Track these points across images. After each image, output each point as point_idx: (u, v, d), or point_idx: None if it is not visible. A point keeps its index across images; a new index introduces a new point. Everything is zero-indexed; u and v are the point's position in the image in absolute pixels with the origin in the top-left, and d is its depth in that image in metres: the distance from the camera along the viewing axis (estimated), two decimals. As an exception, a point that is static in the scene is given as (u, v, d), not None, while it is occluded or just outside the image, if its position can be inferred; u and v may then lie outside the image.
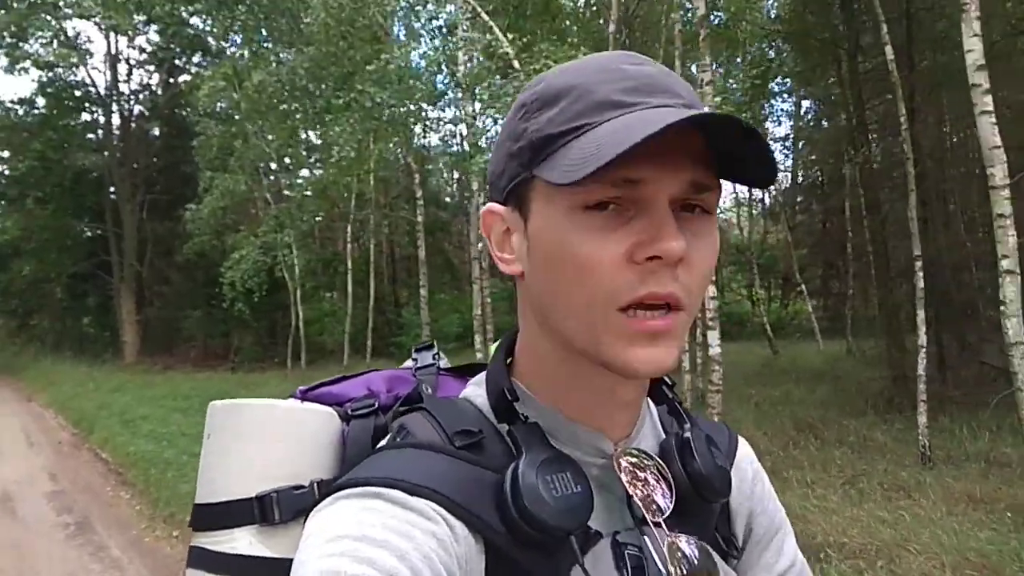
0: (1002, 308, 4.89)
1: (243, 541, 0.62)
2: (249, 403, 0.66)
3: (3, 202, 21.82)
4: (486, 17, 7.51)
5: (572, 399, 0.62)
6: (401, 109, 7.44)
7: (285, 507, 0.62)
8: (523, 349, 0.65)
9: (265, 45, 12.37)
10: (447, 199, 21.89)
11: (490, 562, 0.55)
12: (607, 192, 0.53)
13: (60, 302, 23.13)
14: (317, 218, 14.09)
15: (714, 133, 0.53)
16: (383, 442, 0.63)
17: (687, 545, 0.61)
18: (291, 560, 0.52)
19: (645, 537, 0.61)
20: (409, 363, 0.77)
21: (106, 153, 21.27)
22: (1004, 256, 4.95)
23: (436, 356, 0.77)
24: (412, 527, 0.51)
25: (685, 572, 0.59)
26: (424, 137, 7.61)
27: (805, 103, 18.39)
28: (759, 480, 0.75)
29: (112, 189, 21.40)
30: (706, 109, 0.55)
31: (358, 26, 8.04)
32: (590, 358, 0.57)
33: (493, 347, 0.69)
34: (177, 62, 21.43)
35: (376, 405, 0.69)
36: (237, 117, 12.86)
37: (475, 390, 0.67)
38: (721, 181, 0.56)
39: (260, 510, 0.62)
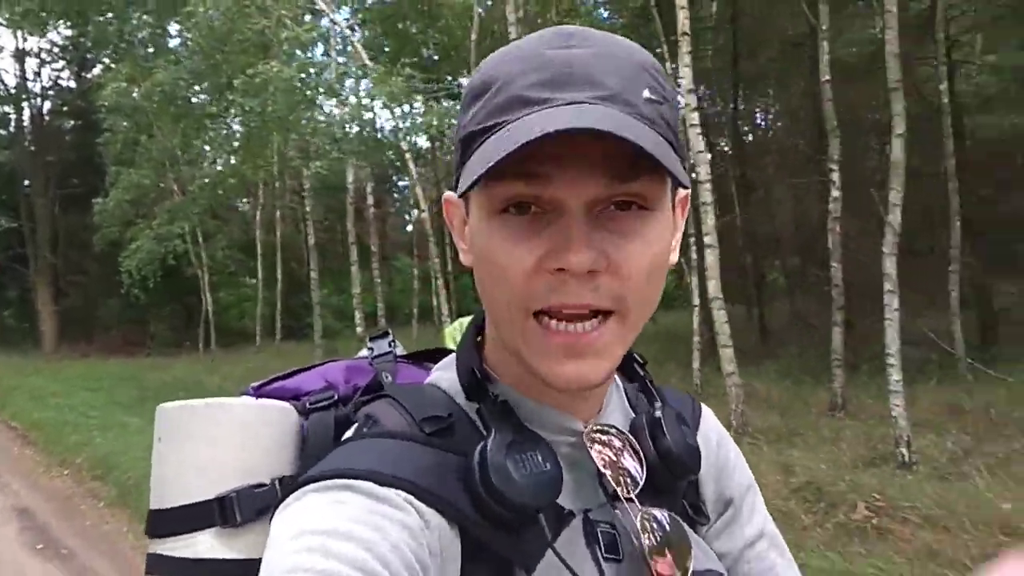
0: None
1: (204, 544, 0.60)
2: (200, 403, 0.64)
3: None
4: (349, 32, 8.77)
5: (537, 385, 0.58)
6: (276, 115, 8.63)
7: (246, 507, 0.60)
8: (490, 332, 0.64)
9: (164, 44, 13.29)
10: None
11: (466, 547, 0.55)
12: (517, 189, 0.52)
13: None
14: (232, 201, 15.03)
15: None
16: (349, 432, 0.61)
17: (659, 519, 0.61)
18: (255, 560, 0.52)
19: (617, 512, 0.61)
20: (364, 352, 0.75)
21: (18, 148, 21.62)
22: (706, 234, 6.57)
23: (392, 344, 0.75)
24: (382, 518, 0.50)
25: (657, 543, 0.59)
26: (312, 136, 8.62)
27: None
28: (723, 446, 0.75)
29: (26, 183, 21.79)
30: (645, 94, 0.52)
31: (233, 41, 9.16)
32: (520, 361, 0.56)
33: (448, 329, 0.87)
34: (88, 55, 21.81)
35: (335, 397, 0.67)
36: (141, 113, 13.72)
37: (442, 374, 0.66)
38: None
39: (221, 512, 0.60)
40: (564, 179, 0.51)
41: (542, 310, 0.53)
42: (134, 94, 12.54)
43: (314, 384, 0.70)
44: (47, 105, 22.68)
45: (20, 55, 21.34)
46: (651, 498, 0.62)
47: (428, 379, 0.67)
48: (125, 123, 14.76)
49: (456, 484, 0.55)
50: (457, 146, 0.57)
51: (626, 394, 0.71)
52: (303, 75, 8.65)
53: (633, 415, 0.68)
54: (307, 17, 10.20)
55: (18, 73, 21.70)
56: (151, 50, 13.85)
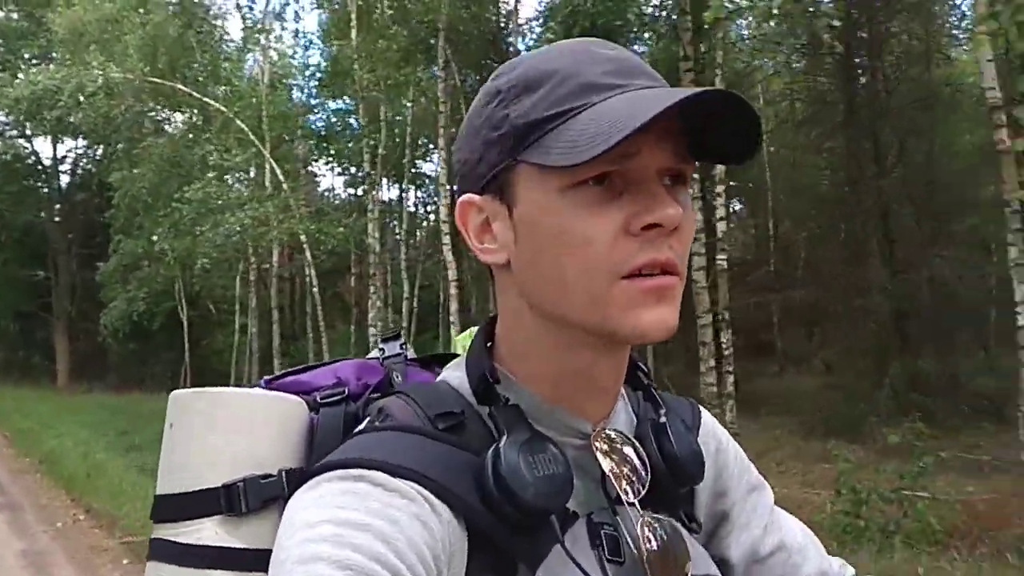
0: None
1: (209, 531, 0.60)
2: (213, 391, 0.65)
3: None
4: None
5: (554, 384, 0.62)
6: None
7: (252, 496, 0.60)
8: (505, 336, 0.65)
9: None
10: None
11: (472, 543, 0.55)
12: (602, 168, 0.54)
13: (10, 336, 27.35)
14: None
15: (688, 110, 0.52)
16: (361, 425, 0.62)
17: (659, 524, 0.62)
18: (260, 550, 0.54)
19: (618, 517, 0.61)
20: (375, 353, 0.76)
21: (43, 214, 25.82)
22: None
23: (403, 346, 0.75)
24: (396, 510, 0.51)
25: (657, 548, 0.60)
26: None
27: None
28: (722, 451, 0.75)
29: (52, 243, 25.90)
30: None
31: (182, 165, 12.72)
32: (594, 332, 0.57)
33: (459, 337, 0.72)
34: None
35: (346, 393, 0.68)
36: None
37: (453, 373, 0.67)
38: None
39: (227, 499, 0.60)
40: (647, 152, 0.54)
41: (632, 272, 0.55)
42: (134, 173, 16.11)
43: (326, 380, 0.70)
44: (70, 180, 26.89)
45: (56, 137, 25.55)
46: (652, 504, 0.63)
47: (441, 376, 0.68)
48: (126, 201, 18.47)
49: (467, 480, 0.55)
50: (501, 138, 0.58)
51: (632, 404, 0.71)
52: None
53: (637, 422, 0.69)
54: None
55: (49, 155, 25.99)
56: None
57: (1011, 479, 6.50)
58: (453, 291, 10.25)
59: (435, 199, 16.48)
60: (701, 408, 0.78)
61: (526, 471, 0.55)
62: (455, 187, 0.66)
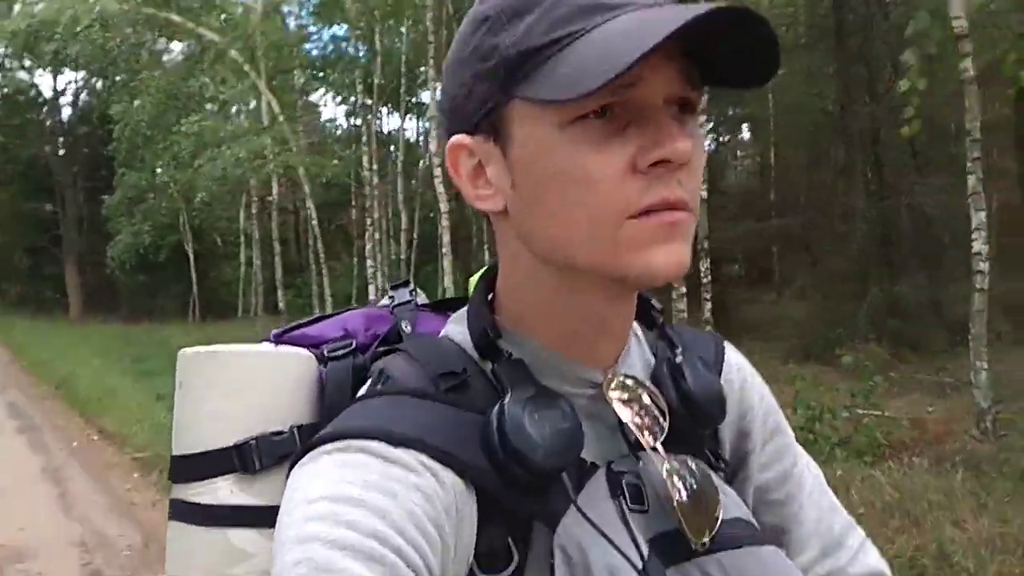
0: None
1: (224, 491, 0.61)
2: (221, 350, 0.65)
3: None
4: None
5: (560, 333, 0.60)
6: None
7: (265, 454, 0.61)
8: (506, 286, 0.62)
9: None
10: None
11: (483, 506, 0.54)
12: (604, 100, 0.50)
13: (22, 271, 27.95)
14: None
15: (695, 31, 0.47)
16: (363, 389, 0.61)
17: (683, 465, 0.59)
18: (275, 507, 0.52)
19: (641, 463, 0.59)
20: (385, 300, 0.74)
21: (47, 147, 25.97)
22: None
23: (413, 292, 0.74)
24: (395, 482, 0.50)
25: (685, 491, 0.57)
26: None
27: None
28: (746, 389, 0.72)
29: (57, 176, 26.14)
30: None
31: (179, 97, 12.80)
32: (604, 276, 0.54)
33: (473, 280, 0.67)
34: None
35: (354, 345, 0.67)
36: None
37: (455, 328, 0.65)
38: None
39: (240, 458, 0.61)
40: (651, 79, 0.50)
41: (641, 211, 0.51)
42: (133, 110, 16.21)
43: (334, 332, 0.69)
44: (72, 112, 26.94)
45: (55, 70, 25.43)
46: (675, 446, 0.60)
47: (443, 332, 0.66)
48: (127, 131, 18.59)
49: (473, 443, 0.54)
50: (491, 70, 0.53)
51: (648, 343, 0.69)
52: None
53: (654, 362, 0.66)
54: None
55: (52, 86, 25.91)
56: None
57: (967, 398, 6.84)
58: (445, 223, 10.47)
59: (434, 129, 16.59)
60: (726, 344, 0.74)
61: (532, 429, 0.53)
62: (443, 126, 0.61)
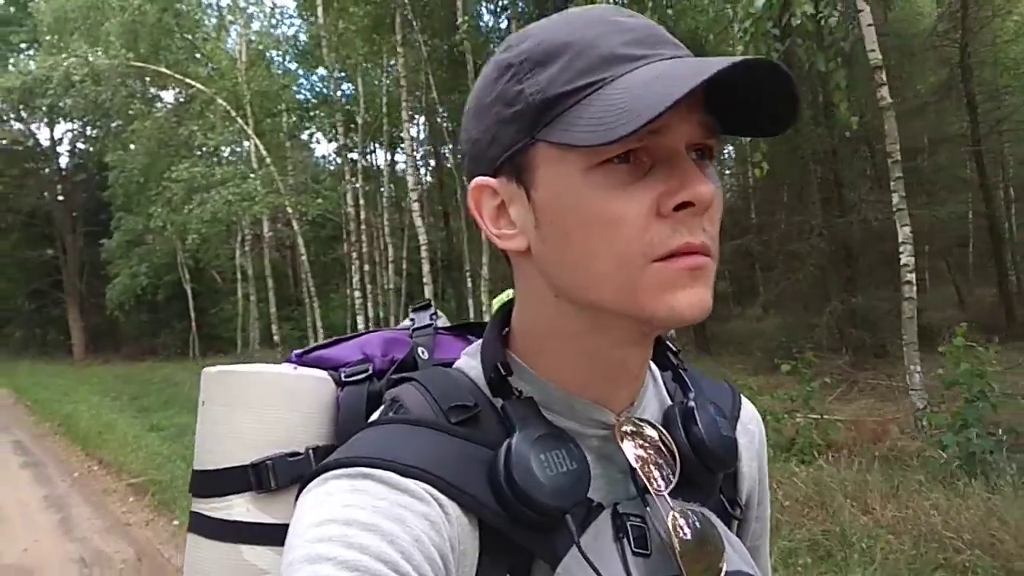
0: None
1: (240, 508, 0.63)
2: (242, 369, 0.66)
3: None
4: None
5: (576, 372, 0.60)
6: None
7: (281, 474, 0.63)
8: (524, 322, 0.62)
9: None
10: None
11: (485, 541, 0.54)
12: (629, 145, 0.51)
13: (25, 314, 28.57)
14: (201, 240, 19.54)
15: (724, 80, 0.48)
16: (375, 415, 0.62)
17: (690, 513, 0.59)
18: (288, 526, 0.53)
19: (647, 508, 0.59)
20: (407, 323, 0.75)
21: (46, 195, 26.74)
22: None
23: (433, 316, 0.74)
24: (403, 509, 0.51)
25: (689, 539, 0.58)
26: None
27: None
28: (762, 443, 0.74)
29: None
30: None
31: (171, 144, 13.46)
32: (629, 315, 0.54)
33: (495, 301, 0.68)
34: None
35: (370, 370, 0.69)
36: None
37: (469, 361, 0.65)
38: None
39: (256, 477, 0.63)
40: (677, 126, 0.52)
41: (666, 255, 0.52)
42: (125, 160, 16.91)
43: (352, 355, 0.70)
44: (70, 161, 27.61)
45: (51, 121, 26.25)
46: (686, 492, 0.60)
47: (456, 364, 0.66)
48: (123, 178, 19.20)
49: (480, 478, 0.54)
50: (517, 115, 0.54)
51: (664, 384, 0.69)
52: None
53: (668, 404, 0.66)
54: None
55: (47, 137, 26.75)
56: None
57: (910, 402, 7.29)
58: (425, 253, 11.03)
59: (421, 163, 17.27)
60: (742, 396, 0.75)
61: (538, 470, 0.53)
62: (463, 169, 0.63)
